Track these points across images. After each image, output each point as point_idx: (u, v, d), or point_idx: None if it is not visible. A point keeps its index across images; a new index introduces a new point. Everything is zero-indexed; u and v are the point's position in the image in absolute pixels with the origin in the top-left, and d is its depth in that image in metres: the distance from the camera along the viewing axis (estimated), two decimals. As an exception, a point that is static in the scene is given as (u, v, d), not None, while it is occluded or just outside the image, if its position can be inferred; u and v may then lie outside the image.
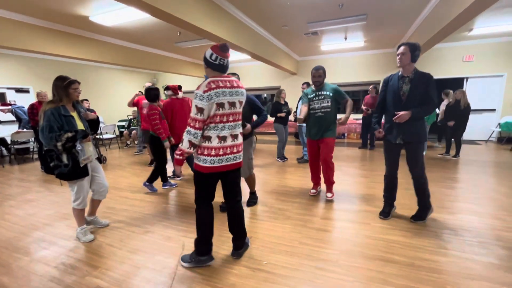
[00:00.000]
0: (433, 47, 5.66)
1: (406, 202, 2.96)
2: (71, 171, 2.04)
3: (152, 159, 5.08)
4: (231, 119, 1.72)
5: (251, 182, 2.97)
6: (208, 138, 1.67)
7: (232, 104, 1.71)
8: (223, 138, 1.70)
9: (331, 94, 2.90)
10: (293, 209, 2.85)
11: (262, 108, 2.68)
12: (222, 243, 2.17)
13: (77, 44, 5.43)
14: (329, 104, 2.89)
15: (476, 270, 1.75)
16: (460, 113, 5.00)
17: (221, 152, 1.70)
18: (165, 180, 3.68)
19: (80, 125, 2.13)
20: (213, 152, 1.68)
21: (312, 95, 2.98)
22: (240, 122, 1.83)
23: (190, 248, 2.10)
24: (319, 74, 2.89)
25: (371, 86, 6.35)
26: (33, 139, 6.07)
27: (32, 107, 4.68)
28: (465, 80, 7.16)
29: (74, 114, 2.13)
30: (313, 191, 3.27)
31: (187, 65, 8.85)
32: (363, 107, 6.42)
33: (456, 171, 4.26)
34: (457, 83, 7.18)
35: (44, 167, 2.15)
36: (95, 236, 2.33)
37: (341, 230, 2.35)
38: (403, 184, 3.57)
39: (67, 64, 7.84)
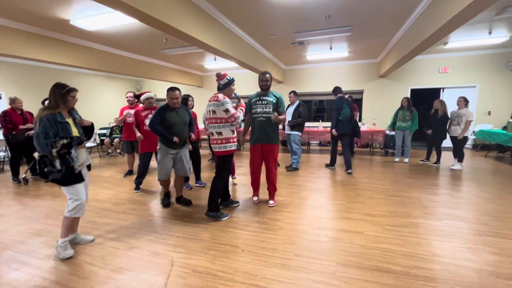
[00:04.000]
0: (412, 59, 5.95)
1: (393, 209, 3.00)
2: (65, 176, 2.02)
3: (129, 169, 4.84)
4: (209, 121, 2.73)
5: (176, 185, 3.27)
6: None
7: (211, 112, 2.68)
8: (210, 133, 2.75)
9: (274, 101, 2.97)
10: (285, 219, 2.79)
11: (191, 122, 3.23)
12: (214, 258, 2.07)
13: (56, 49, 5.18)
14: (271, 110, 2.95)
15: (470, 278, 1.76)
16: (437, 122, 5.23)
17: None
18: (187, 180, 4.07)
19: (75, 132, 2.12)
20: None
21: (255, 99, 3.03)
22: (219, 124, 2.66)
23: (179, 263, 1.99)
24: (266, 78, 2.95)
25: (347, 96, 6.55)
26: (4, 148, 5.66)
27: (5, 114, 4.35)
28: (441, 90, 7.55)
29: (70, 120, 2.12)
30: (256, 198, 3.30)
31: (173, 72, 8.71)
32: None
33: (438, 177, 4.41)
34: (434, 93, 7.57)
35: (39, 172, 2.09)
36: (74, 255, 2.14)
37: (335, 240, 2.32)
38: (389, 191, 3.65)
39: (44, 69, 7.46)
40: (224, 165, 2.76)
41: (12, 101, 4.40)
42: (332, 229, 2.53)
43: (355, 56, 7.56)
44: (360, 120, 7.98)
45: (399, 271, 1.83)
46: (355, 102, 6.84)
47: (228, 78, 2.74)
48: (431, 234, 2.38)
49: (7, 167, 5.69)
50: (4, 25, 4.38)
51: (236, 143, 2.80)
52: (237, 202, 3.25)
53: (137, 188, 3.88)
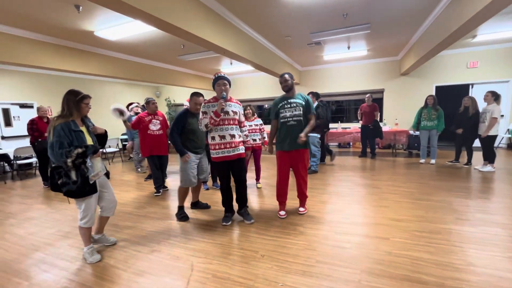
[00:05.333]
0: (437, 54, 5.65)
1: (421, 213, 2.82)
2: (80, 188, 1.95)
3: (150, 173, 4.89)
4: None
5: (195, 189, 3.23)
6: None
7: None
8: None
9: (303, 103, 2.78)
10: (305, 223, 2.71)
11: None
12: (234, 263, 2.04)
13: (81, 59, 5.46)
14: (301, 112, 2.76)
15: (513, 291, 1.60)
16: (468, 120, 4.90)
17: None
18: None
19: (89, 140, 2.07)
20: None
21: (283, 103, 2.81)
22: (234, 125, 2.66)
23: (199, 268, 1.98)
24: (285, 78, 2.77)
25: (367, 95, 6.35)
26: (34, 154, 6.01)
27: (32, 122, 4.62)
28: (470, 86, 7.10)
29: (83, 128, 2.07)
30: (283, 213, 2.91)
31: (190, 77, 8.90)
32: (358, 113, 6.54)
33: (470, 180, 4.12)
34: (462, 90, 7.13)
35: (50, 184, 2.05)
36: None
37: (359, 246, 2.21)
38: (416, 195, 3.45)
39: (70, 78, 7.89)
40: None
41: (38, 109, 4.68)
42: (355, 235, 2.42)
43: (374, 54, 7.31)
44: (381, 120, 7.70)
45: (432, 282, 1.70)
46: (375, 101, 6.60)
47: (214, 77, 2.62)
48: (466, 242, 2.20)
49: (39, 172, 6.05)
50: (35, 39, 4.68)
51: (220, 151, 2.59)
52: (252, 219, 2.81)
53: (158, 191, 3.95)
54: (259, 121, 4.02)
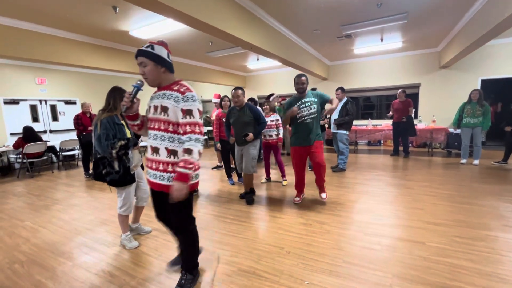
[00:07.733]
0: (484, 44, 5.11)
1: (462, 218, 2.60)
2: (122, 177, 2.12)
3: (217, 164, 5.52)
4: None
5: (247, 180, 3.33)
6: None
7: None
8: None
9: (316, 100, 2.97)
10: (332, 222, 2.64)
11: (261, 116, 3.21)
12: (259, 258, 2.05)
13: (117, 58, 5.79)
14: (315, 110, 2.95)
15: None
16: None
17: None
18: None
19: (128, 133, 2.24)
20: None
21: (297, 103, 2.98)
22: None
23: (225, 260, 2.02)
24: (302, 81, 2.93)
25: (399, 91, 5.94)
26: (77, 147, 6.53)
27: (77, 117, 5.02)
28: (523, 79, 6.35)
29: (123, 122, 2.24)
30: (297, 199, 3.28)
31: (217, 74, 9.04)
32: (390, 113, 6.12)
33: (521, 183, 3.71)
34: (513, 84, 6.41)
35: (94, 174, 2.20)
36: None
37: (390, 249, 2.10)
38: (456, 197, 3.19)
39: (107, 76, 8.42)
40: None
41: (82, 105, 5.08)
42: (386, 237, 2.30)
43: (410, 46, 6.83)
44: (416, 117, 7.21)
45: (473, 292, 1.57)
46: (409, 97, 6.17)
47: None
48: (515, 251, 1.99)
49: (81, 163, 6.59)
50: (77, 40, 5.05)
51: (148, 171, 1.72)
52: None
53: None
54: (276, 116, 3.97)
